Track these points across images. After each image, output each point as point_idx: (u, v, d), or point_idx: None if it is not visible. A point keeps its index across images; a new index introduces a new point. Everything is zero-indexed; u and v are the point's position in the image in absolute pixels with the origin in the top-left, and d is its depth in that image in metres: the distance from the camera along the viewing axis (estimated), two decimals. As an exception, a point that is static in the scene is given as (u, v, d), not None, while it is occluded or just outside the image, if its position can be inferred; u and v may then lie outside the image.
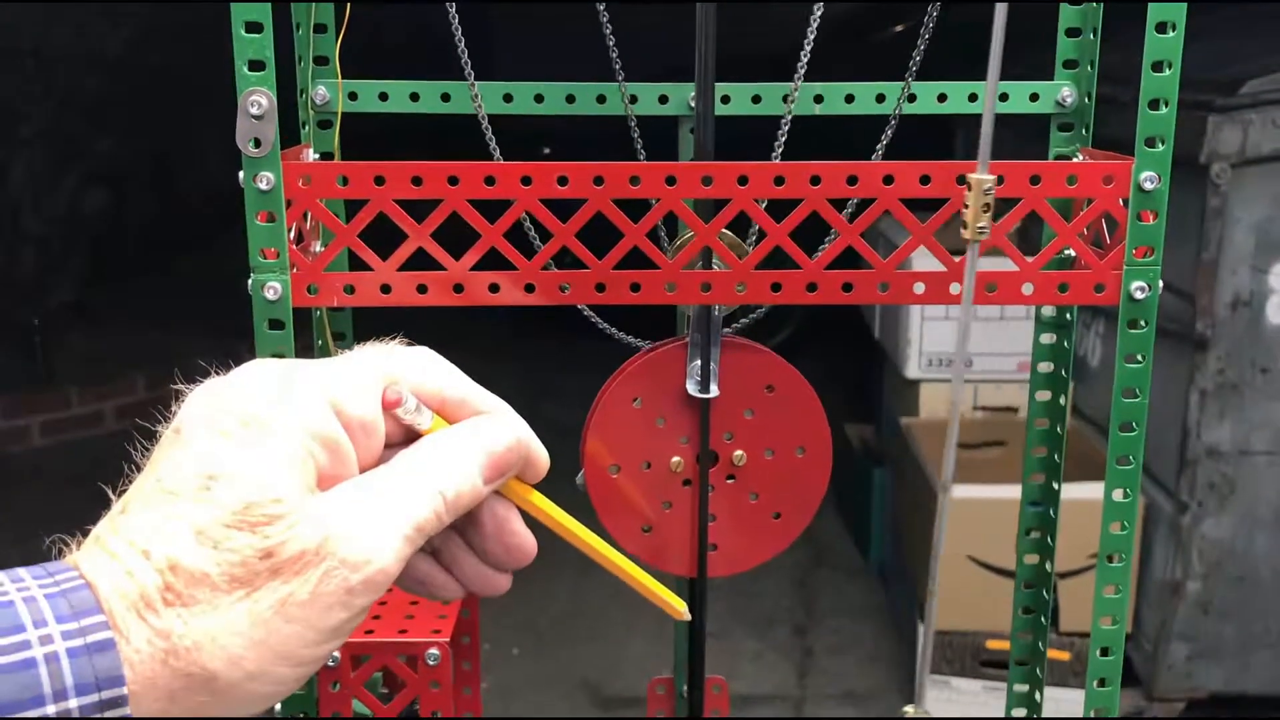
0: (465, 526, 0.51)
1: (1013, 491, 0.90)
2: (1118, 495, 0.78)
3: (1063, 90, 0.83)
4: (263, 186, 0.70)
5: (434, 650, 0.85)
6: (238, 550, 0.41)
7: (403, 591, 0.51)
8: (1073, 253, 0.78)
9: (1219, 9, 2.37)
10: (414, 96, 0.85)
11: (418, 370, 0.49)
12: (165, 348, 4.04)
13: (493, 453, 0.48)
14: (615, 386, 0.80)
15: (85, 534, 0.43)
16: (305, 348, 0.75)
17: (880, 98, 0.84)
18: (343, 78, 0.83)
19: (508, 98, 0.85)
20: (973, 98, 0.85)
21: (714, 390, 0.80)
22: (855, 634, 2.89)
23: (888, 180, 0.72)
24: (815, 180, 0.72)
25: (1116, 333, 0.75)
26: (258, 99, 0.68)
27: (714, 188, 0.72)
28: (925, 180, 0.72)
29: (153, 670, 0.39)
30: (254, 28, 0.68)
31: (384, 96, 0.85)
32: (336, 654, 0.82)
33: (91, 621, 0.39)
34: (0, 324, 4.07)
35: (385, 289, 0.73)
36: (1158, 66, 0.71)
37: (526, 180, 0.71)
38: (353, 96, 0.84)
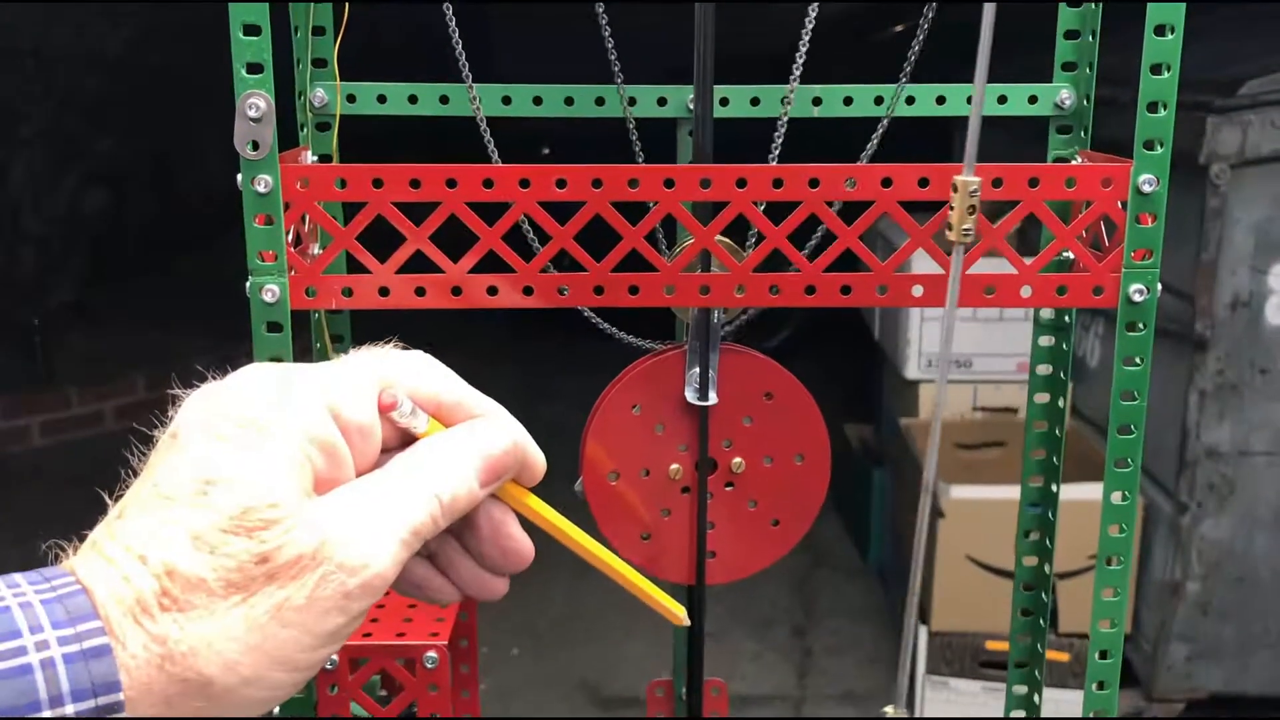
0: (462, 530, 0.51)
1: (1012, 492, 0.91)
2: (1116, 498, 0.78)
3: (1061, 93, 0.83)
4: (261, 189, 0.70)
5: (432, 653, 0.85)
6: (234, 555, 0.41)
7: (399, 596, 0.51)
8: (1071, 255, 0.78)
9: (1217, 9, 2.37)
10: (412, 99, 0.85)
11: (413, 374, 0.49)
12: (165, 348, 4.04)
13: (489, 456, 0.48)
14: (614, 393, 0.80)
15: (82, 539, 0.43)
16: (304, 350, 0.75)
17: (878, 100, 0.84)
18: (341, 80, 0.83)
19: (506, 100, 0.85)
20: (971, 100, 0.84)
21: (713, 398, 0.80)
22: (854, 635, 2.89)
23: (886, 183, 0.72)
24: (814, 183, 0.72)
25: (1115, 334, 0.75)
26: (256, 101, 0.68)
27: (712, 190, 0.72)
28: (924, 183, 0.72)
29: (149, 676, 0.39)
30: (252, 30, 0.68)
31: (382, 99, 0.85)
32: (335, 657, 0.82)
33: (88, 627, 0.38)
34: (0, 324, 4.07)
35: (383, 291, 0.73)
36: (1156, 69, 0.71)
37: (525, 183, 0.71)
38: (351, 99, 0.84)
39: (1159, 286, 0.74)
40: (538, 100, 0.85)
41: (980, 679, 2.41)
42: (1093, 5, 0.81)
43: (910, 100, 0.84)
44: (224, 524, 0.41)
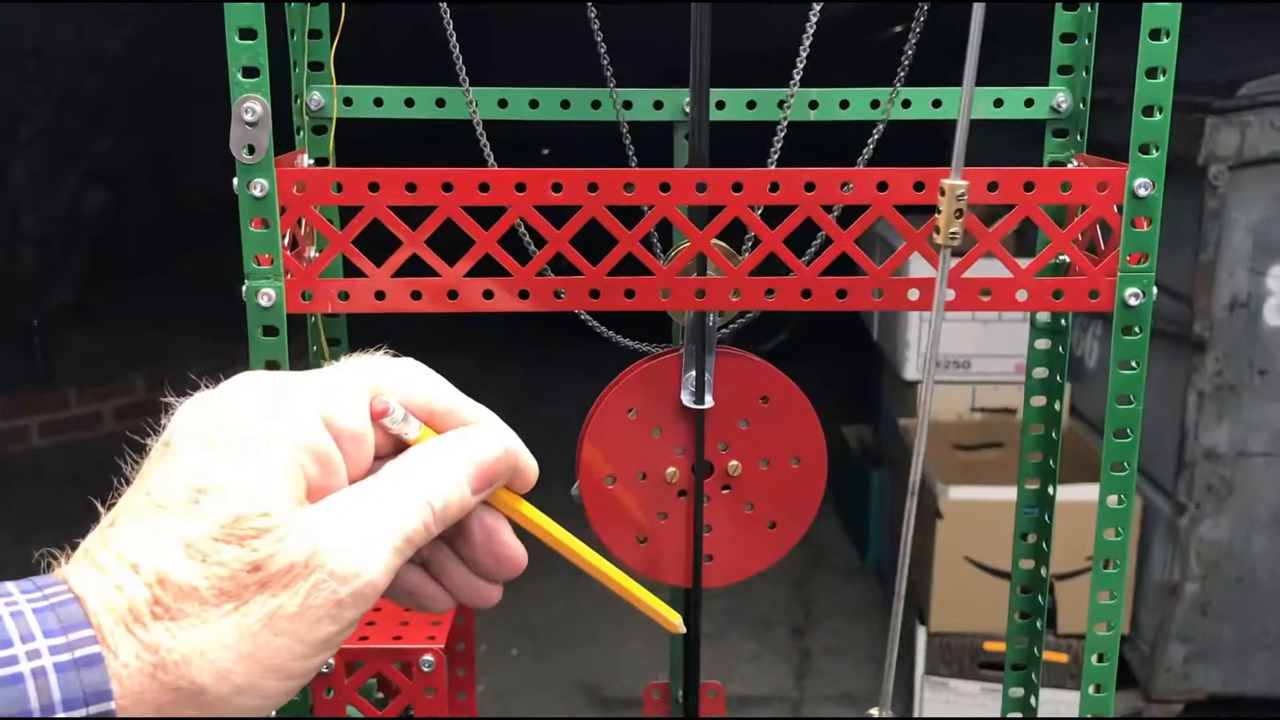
0: (455, 537, 0.51)
1: (1011, 493, 0.91)
2: (1112, 501, 0.78)
3: (1057, 96, 0.83)
4: (257, 193, 0.70)
5: (429, 656, 0.85)
6: (226, 564, 0.41)
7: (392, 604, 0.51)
8: (1067, 259, 0.78)
9: (1214, 9, 2.37)
10: (409, 102, 0.85)
11: (404, 381, 0.49)
12: (165, 348, 4.04)
13: (481, 463, 0.48)
14: (611, 397, 0.80)
15: (75, 545, 0.43)
16: (300, 353, 0.75)
17: (875, 103, 0.84)
18: (338, 82, 0.83)
19: (502, 103, 0.85)
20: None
21: (709, 401, 0.80)
22: (853, 635, 2.89)
23: (881, 187, 0.72)
24: (810, 186, 0.72)
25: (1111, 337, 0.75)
26: (251, 106, 0.68)
27: (708, 194, 0.72)
28: (919, 187, 0.72)
29: (141, 685, 0.39)
30: (248, 34, 0.68)
31: (379, 102, 0.85)
32: (331, 660, 0.82)
33: (79, 636, 0.38)
34: (0, 324, 4.07)
35: (379, 295, 0.73)
36: (1152, 73, 0.71)
37: (520, 187, 0.71)
38: (348, 102, 0.84)
39: (1154, 290, 0.74)
40: (534, 104, 0.85)
41: (979, 680, 2.41)
42: (1089, 8, 0.81)
43: (906, 104, 0.84)
44: (216, 532, 0.41)
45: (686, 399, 0.80)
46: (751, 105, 0.85)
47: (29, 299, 4.26)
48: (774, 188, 0.72)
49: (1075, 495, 1.52)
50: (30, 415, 3.94)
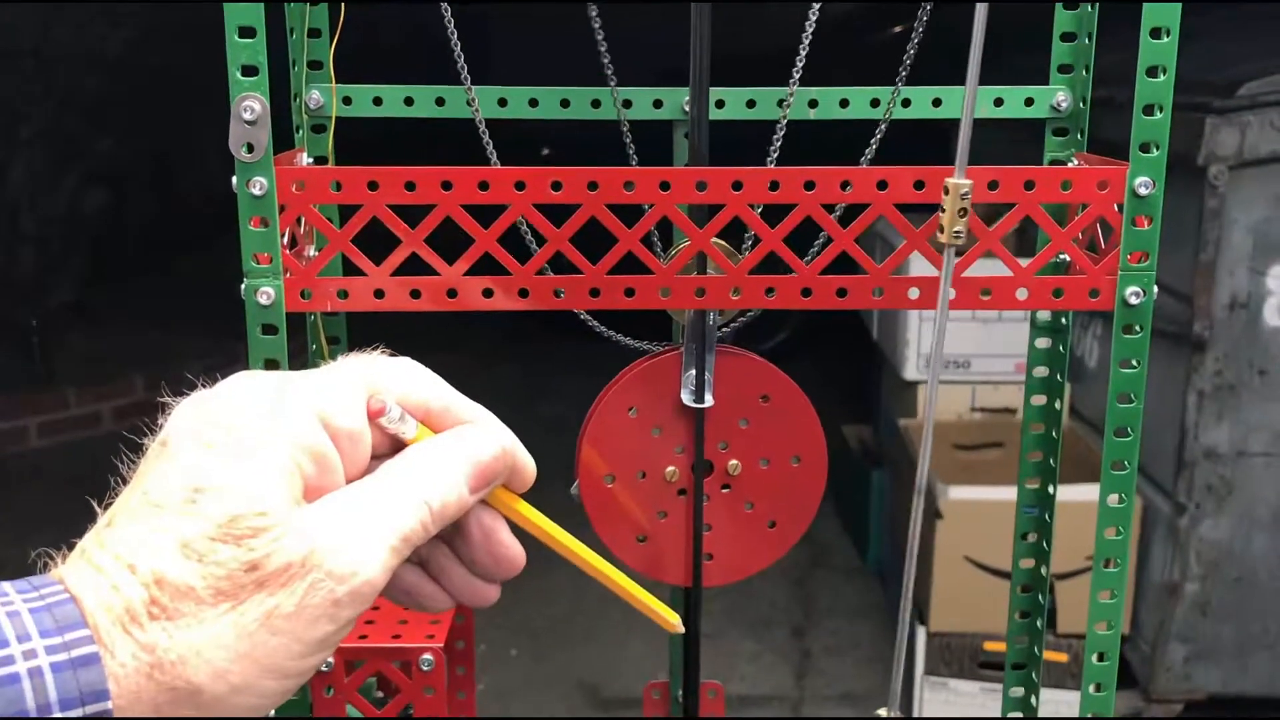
0: (453, 537, 0.50)
1: (1011, 493, 0.90)
2: (1113, 500, 0.78)
3: (1058, 95, 0.83)
4: (256, 192, 0.69)
5: (428, 655, 0.85)
6: (223, 563, 0.41)
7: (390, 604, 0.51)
8: (1067, 258, 0.78)
9: (1214, 9, 2.37)
10: (409, 101, 0.85)
11: (401, 380, 0.49)
12: (165, 348, 4.04)
13: (478, 462, 0.48)
14: (610, 396, 0.80)
15: (72, 546, 0.42)
16: (299, 351, 0.75)
17: (875, 102, 0.84)
18: (337, 81, 0.83)
19: (502, 102, 0.85)
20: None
21: (708, 400, 0.79)
22: (853, 635, 2.89)
23: (881, 185, 0.72)
24: (809, 185, 0.72)
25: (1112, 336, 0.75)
26: (251, 104, 0.68)
27: (708, 193, 0.72)
28: (919, 185, 0.72)
29: (138, 684, 0.39)
30: (247, 32, 0.68)
31: (378, 101, 0.85)
32: (330, 659, 0.82)
33: (76, 636, 0.38)
34: (0, 324, 4.07)
35: (379, 294, 0.73)
36: (1152, 72, 0.71)
37: (520, 185, 0.71)
38: (347, 101, 0.84)
39: (1155, 289, 0.74)
40: (534, 102, 0.85)
41: (979, 679, 2.40)
42: (1089, 8, 0.81)
43: (906, 103, 0.84)
44: (213, 532, 0.41)
45: (686, 398, 0.80)
46: (751, 104, 0.85)
47: (29, 299, 4.26)
48: (774, 186, 0.72)
49: (1075, 495, 1.52)
50: (29, 415, 3.94)
